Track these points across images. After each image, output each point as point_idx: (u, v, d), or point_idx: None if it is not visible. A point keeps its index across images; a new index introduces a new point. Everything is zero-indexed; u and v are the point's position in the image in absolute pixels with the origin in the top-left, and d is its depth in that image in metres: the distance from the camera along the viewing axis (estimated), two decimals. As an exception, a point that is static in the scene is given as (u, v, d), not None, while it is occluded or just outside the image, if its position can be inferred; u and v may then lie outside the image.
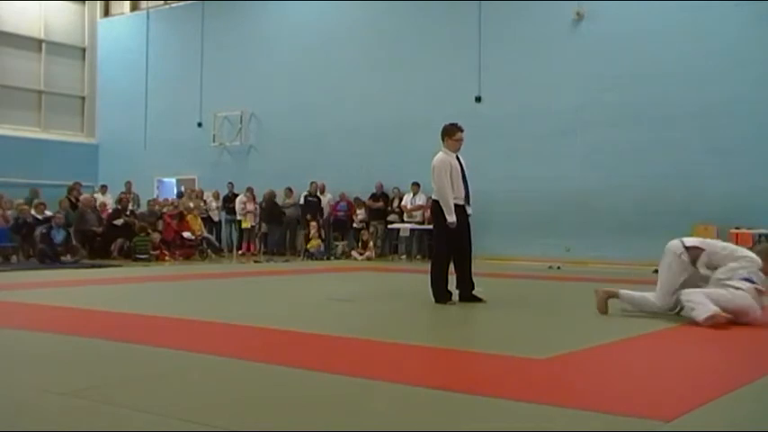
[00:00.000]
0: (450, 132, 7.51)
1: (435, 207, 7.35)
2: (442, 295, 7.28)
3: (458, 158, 7.39)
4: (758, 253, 6.16)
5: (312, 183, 17.74)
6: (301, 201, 17.71)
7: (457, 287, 7.39)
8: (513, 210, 15.60)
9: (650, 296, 6.42)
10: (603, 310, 6.49)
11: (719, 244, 6.44)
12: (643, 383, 3.85)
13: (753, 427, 3.20)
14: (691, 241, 6.43)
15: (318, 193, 17.84)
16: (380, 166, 17.55)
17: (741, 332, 5.60)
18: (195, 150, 20.71)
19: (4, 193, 15.84)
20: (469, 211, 7.45)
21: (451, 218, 7.12)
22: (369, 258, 16.25)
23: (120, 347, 4.75)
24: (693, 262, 6.22)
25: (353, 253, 16.65)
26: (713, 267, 6.16)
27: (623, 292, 6.57)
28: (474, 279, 7.39)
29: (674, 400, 3.49)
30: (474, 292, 7.36)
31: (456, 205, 7.18)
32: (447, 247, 7.30)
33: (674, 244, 6.43)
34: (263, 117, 19.91)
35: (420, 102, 17.16)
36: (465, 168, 7.40)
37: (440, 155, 7.40)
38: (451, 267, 7.35)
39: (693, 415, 3.19)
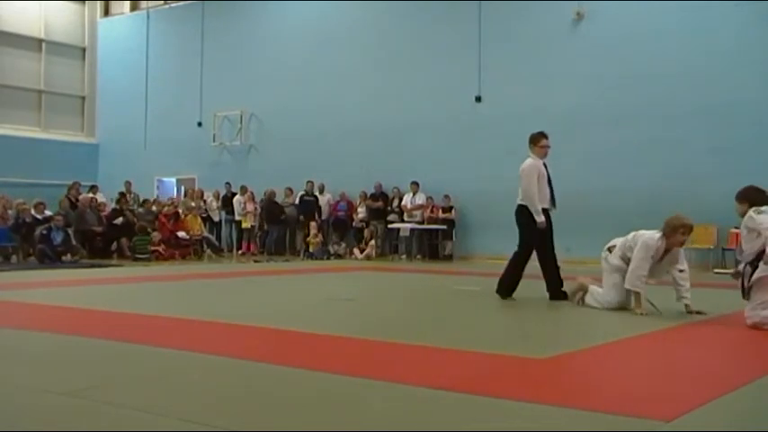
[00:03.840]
0: (536, 140, 7.87)
1: (521, 210, 7.65)
2: (506, 291, 7.57)
3: (544, 165, 7.74)
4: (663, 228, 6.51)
5: (308, 182, 17.74)
6: (297, 200, 17.74)
7: (547, 290, 7.62)
8: (513, 210, 15.57)
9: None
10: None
11: (629, 236, 6.80)
12: (643, 383, 3.85)
13: (753, 427, 3.20)
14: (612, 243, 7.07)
15: (317, 193, 17.85)
16: (380, 166, 17.55)
17: (740, 332, 5.60)
18: (195, 150, 20.71)
19: (5, 194, 15.84)
20: (553, 213, 7.83)
21: (540, 218, 7.48)
22: (368, 257, 16.24)
23: (121, 347, 4.75)
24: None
25: (355, 251, 16.67)
26: (627, 259, 6.68)
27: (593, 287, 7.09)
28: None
29: (674, 400, 3.49)
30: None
31: (542, 209, 7.56)
32: (529, 248, 7.62)
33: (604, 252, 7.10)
34: (263, 117, 19.91)
35: (420, 102, 17.17)
36: (550, 174, 7.77)
37: (529, 161, 7.73)
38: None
39: (693, 415, 3.19)
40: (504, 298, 7.57)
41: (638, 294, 6.50)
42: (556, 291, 7.58)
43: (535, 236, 7.56)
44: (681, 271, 6.50)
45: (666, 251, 6.48)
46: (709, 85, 13.86)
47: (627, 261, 6.69)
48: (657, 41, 14.44)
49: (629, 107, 14.63)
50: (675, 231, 6.37)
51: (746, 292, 5.75)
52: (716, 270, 12.95)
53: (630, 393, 3.62)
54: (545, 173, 7.67)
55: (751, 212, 5.79)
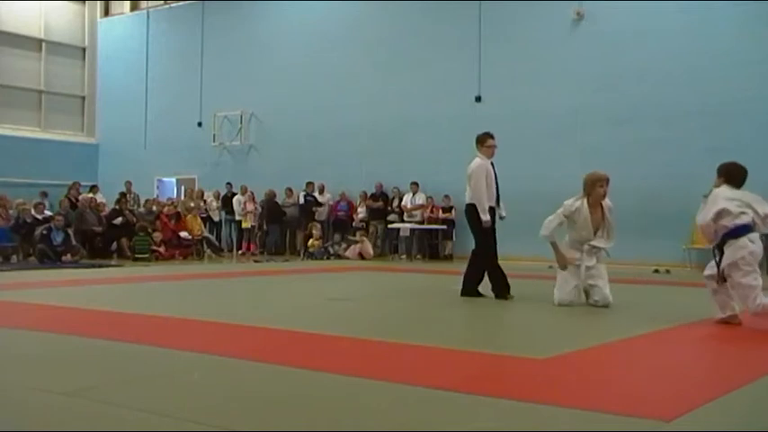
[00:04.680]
0: (483, 140, 8.01)
1: (471, 210, 7.83)
2: (503, 290, 7.69)
3: (492, 164, 7.90)
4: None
5: (308, 183, 17.73)
6: (301, 200, 17.78)
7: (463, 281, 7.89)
8: (513, 209, 15.33)
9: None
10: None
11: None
12: (643, 383, 3.85)
13: (752, 427, 3.21)
14: None
15: (317, 193, 17.84)
16: (380, 166, 17.55)
17: (740, 332, 5.60)
18: (195, 150, 20.71)
19: (5, 194, 15.84)
20: (503, 213, 8.10)
21: (486, 217, 7.68)
22: (361, 256, 16.15)
23: (120, 347, 4.75)
24: None
25: (347, 251, 16.56)
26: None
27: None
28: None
29: (674, 400, 3.49)
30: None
31: (489, 207, 7.76)
32: (489, 245, 7.82)
33: None
34: (263, 117, 19.91)
35: (420, 102, 17.17)
36: (497, 174, 7.93)
37: (477, 161, 7.88)
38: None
39: (693, 415, 3.19)
40: (506, 298, 7.65)
41: (554, 245, 7.02)
42: (470, 287, 7.82)
43: (483, 234, 7.80)
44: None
45: (598, 208, 7.01)
46: (709, 85, 13.86)
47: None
48: (657, 41, 14.45)
49: (629, 107, 14.63)
50: (594, 186, 6.97)
51: (721, 277, 5.72)
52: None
53: (630, 393, 3.62)
54: (492, 172, 7.88)
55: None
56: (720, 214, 5.65)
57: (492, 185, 7.80)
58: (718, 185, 6.00)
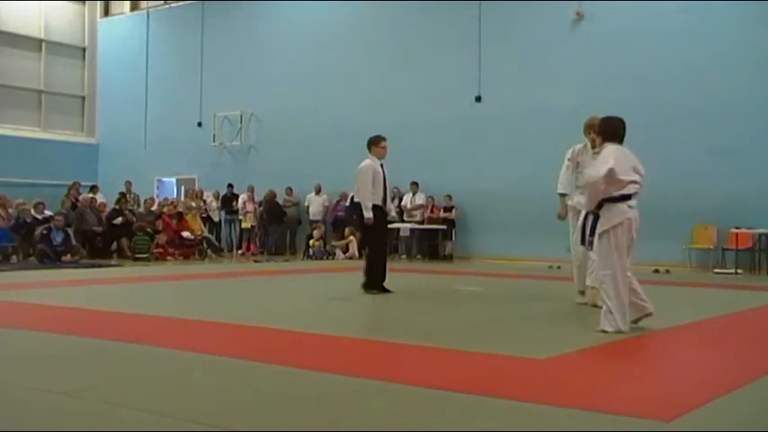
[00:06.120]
0: (376, 142, 8.46)
1: (358, 207, 8.21)
2: (377, 284, 8.09)
3: (381, 165, 8.31)
4: None
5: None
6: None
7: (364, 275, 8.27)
8: (513, 209, 15.60)
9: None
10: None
11: None
12: (642, 383, 3.86)
13: (753, 427, 3.21)
14: None
15: (314, 193, 17.76)
16: (380, 166, 17.53)
17: (740, 333, 5.60)
18: (195, 150, 20.70)
19: (5, 193, 15.82)
20: (388, 211, 8.54)
21: (368, 214, 8.02)
22: (352, 257, 16.12)
23: (120, 347, 4.75)
24: None
25: (336, 251, 16.51)
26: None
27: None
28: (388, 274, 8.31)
29: (674, 400, 3.49)
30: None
31: (375, 205, 8.09)
32: (382, 241, 8.37)
33: None
34: (263, 117, 19.90)
35: (420, 102, 17.16)
36: (386, 175, 8.34)
37: (366, 161, 8.30)
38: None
39: (693, 415, 3.19)
40: (379, 293, 7.99)
41: (561, 197, 7.43)
42: (372, 281, 8.12)
43: (371, 230, 8.14)
44: None
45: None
46: (709, 85, 13.85)
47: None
48: (657, 41, 14.44)
49: (629, 107, 14.52)
50: (589, 133, 7.23)
51: (589, 242, 5.74)
52: (716, 270, 12.95)
53: (630, 393, 3.63)
54: (381, 172, 8.22)
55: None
56: (611, 175, 5.52)
57: (379, 185, 8.14)
58: (598, 144, 6.03)
